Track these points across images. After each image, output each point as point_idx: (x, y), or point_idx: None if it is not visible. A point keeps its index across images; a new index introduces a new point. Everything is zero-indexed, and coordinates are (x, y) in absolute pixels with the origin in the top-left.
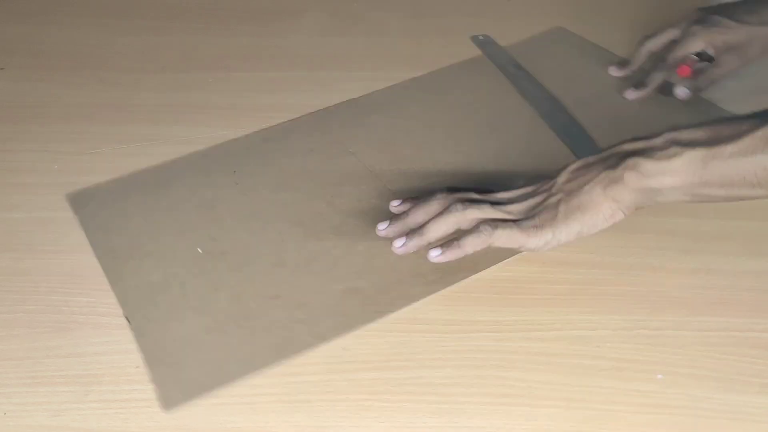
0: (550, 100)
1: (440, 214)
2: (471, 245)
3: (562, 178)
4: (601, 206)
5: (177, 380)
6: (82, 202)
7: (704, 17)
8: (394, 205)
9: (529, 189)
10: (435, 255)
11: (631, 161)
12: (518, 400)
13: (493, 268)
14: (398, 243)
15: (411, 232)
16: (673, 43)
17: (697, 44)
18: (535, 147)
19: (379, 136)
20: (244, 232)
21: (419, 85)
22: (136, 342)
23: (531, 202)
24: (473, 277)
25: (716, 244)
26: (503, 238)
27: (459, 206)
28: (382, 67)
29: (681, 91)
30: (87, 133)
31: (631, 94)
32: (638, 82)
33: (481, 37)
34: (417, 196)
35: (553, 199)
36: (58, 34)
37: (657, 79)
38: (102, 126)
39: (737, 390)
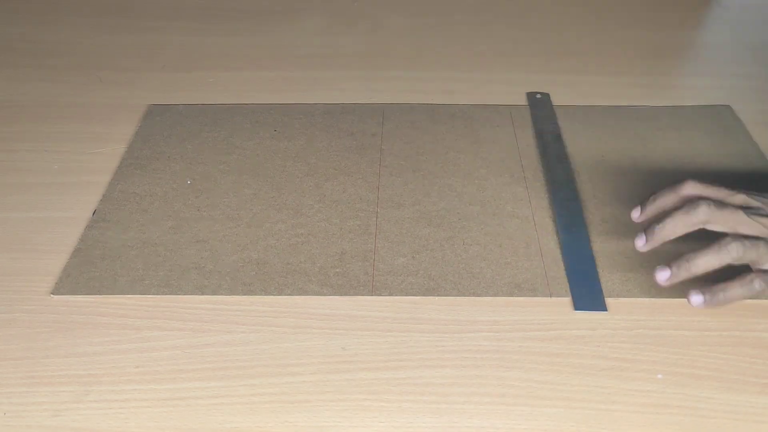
0: (568, 189)
1: (716, 248)
2: (738, 297)
3: None
4: None
5: (80, 275)
6: (156, 110)
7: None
8: (635, 217)
9: None
10: (697, 301)
11: None
12: (518, 400)
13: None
14: (663, 276)
15: (677, 266)
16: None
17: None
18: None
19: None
20: (231, 184)
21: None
22: (82, 232)
23: None
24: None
25: None
26: None
27: (738, 246)
28: (382, 67)
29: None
30: (87, 133)
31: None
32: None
33: (538, 96)
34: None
35: None
36: (58, 34)
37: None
38: (101, 126)
39: (737, 390)
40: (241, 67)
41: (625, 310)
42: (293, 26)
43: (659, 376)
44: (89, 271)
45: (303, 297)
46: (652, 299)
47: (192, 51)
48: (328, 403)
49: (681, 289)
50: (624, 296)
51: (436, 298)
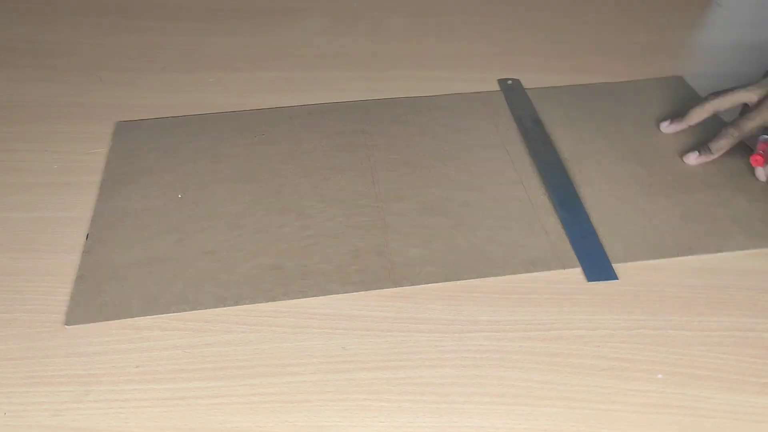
0: (557, 169)
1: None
2: (724, 145)
3: None
4: None
5: (90, 301)
6: (126, 127)
7: None
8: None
9: None
10: (691, 158)
11: None
12: (518, 400)
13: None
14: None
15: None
16: (746, 107)
17: None
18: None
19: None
20: (227, 192)
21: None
22: (81, 258)
23: None
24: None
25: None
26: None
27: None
28: (382, 67)
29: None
30: (87, 133)
31: (694, 159)
32: (703, 147)
33: (509, 82)
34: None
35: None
36: (58, 34)
37: (724, 147)
38: (101, 126)
39: (737, 390)
40: (241, 67)
41: (625, 310)
42: (293, 26)
43: (659, 376)
44: (99, 296)
45: (307, 298)
46: (656, 260)
47: (192, 51)
48: (328, 403)
49: (683, 248)
50: (630, 260)
51: (437, 296)
